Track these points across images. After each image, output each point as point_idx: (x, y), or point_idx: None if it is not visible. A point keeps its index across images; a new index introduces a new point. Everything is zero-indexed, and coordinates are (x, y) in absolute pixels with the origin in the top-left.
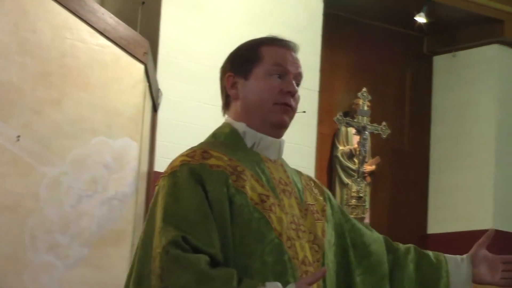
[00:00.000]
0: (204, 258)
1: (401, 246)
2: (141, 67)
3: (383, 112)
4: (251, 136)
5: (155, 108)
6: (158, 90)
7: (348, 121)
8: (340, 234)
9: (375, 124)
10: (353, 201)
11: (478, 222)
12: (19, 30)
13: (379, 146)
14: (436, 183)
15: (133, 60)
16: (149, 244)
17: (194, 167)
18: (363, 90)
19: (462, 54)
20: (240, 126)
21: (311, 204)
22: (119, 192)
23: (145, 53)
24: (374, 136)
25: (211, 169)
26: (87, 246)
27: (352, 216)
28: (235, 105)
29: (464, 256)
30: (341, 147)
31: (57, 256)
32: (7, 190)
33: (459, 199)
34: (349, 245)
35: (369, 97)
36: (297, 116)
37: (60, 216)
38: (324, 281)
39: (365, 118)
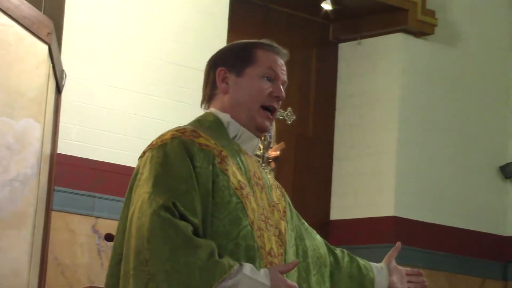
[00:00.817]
0: (190, 227)
1: (337, 250)
2: (45, 47)
3: (288, 98)
4: (234, 127)
5: (59, 89)
6: (62, 71)
7: None
8: (299, 236)
9: (280, 110)
10: None
11: (379, 209)
12: None
13: (284, 132)
14: (339, 170)
15: (37, 40)
16: (131, 222)
17: (185, 141)
18: None
19: (367, 42)
20: (224, 117)
21: (276, 203)
22: (21, 174)
23: (49, 33)
24: (279, 122)
25: (200, 147)
26: None
27: None
28: (222, 98)
29: (382, 264)
30: None
31: None
32: None
33: (362, 186)
34: (307, 247)
35: None
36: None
37: None
38: (287, 276)
39: None
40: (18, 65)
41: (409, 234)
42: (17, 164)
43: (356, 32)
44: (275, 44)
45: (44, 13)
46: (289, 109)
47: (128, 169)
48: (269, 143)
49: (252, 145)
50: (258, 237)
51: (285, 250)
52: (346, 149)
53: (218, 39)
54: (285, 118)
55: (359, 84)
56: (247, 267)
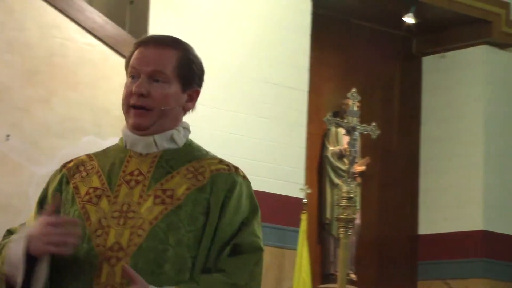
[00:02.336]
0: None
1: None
2: None
3: (373, 112)
4: (124, 136)
5: None
6: None
7: (338, 122)
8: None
9: (364, 125)
10: (344, 202)
11: (468, 223)
12: (6, 28)
13: (368, 147)
14: (426, 183)
15: (122, 58)
16: None
17: (56, 172)
18: (353, 90)
19: (450, 54)
20: (123, 128)
21: (166, 189)
22: None
23: None
24: (364, 137)
25: (60, 171)
26: None
27: (343, 216)
28: None
29: None
30: (331, 148)
31: None
32: None
33: (449, 200)
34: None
35: (359, 98)
36: (285, 115)
37: None
38: (137, 263)
39: (354, 118)
40: (104, 84)
41: (498, 248)
42: None
43: (439, 45)
44: (148, 36)
45: (128, 32)
46: (374, 123)
47: None
48: (354, 158)
49: (143, 145)
50: (98, 236)
51: (145, 239)
52: (432, 162)
53: (301, 55)
54: (370, 132)
55: (444, 97)
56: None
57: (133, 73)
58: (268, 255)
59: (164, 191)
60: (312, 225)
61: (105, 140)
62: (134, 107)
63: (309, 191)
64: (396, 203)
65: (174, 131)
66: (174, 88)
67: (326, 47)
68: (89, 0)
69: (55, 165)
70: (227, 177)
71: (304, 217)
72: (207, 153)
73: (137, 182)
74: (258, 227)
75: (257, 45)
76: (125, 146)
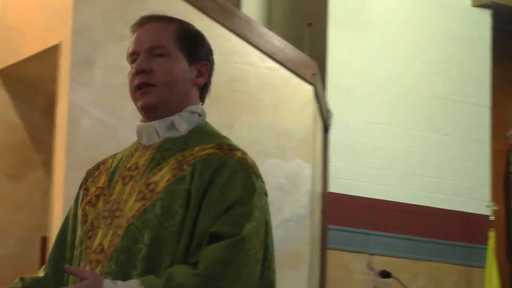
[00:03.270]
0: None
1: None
2: (310, 88)
3: None
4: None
5: (326, 129)
6: (328, 111)
7: None
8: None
9: None
10: None
11: None
12: None
13: None
14: None
15: (302, 81)
16: None
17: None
18: None
19: None
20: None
21: (150, 183)
22: (295, 214)
23: (313, 74)
24: None
25: (85, 177)
26: None
27: None
28: None
29: None
30: None
31: None
32: None
33: None
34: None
35: None
36: (468, 132)
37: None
38: (112, 265)
39: None
40: (285, 107)
41: None
42: (290, 204)
43: None
44: (141, 18)
45: (307, 54)
46: None
47: (399, 205)
48: None
49: (145, 133)
50: (89, 237)
51: (121, 239)
52: None
53: (482, 70)
54: None
55: None
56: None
57: (134, 58)
58: (456, 273)
59: (147, 185)
60: (501, 243)
61: (289, 162)
62: (139, 87)
63: (496, 207)
64: None
65: (175, 117)
66: (178, 61)
67: (507, 60)
68: (268, 24)
69: None
70: (214, 161)
71: (492, 234)
72: (218, 138)
73: (131, 177)
74: (253, 213)
75: (436, 61)
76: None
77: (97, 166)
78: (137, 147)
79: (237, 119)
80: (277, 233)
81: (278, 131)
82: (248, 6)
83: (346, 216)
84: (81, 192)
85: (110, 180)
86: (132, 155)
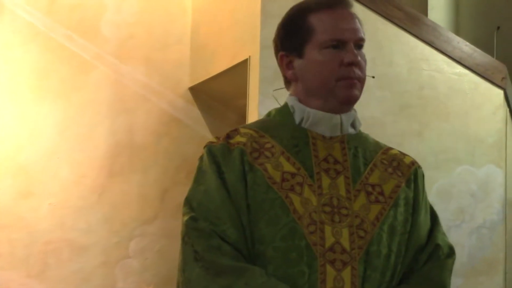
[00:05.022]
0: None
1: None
2: (500, 92)
3: None
4: (299, 111)
5: None
6: None
7: None
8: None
9: None
10: None
11: None
12: (376, 65)
13: None
14: None
15: (492, 86)
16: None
17: (213, 149)
18: None
19: None
20: (290, 100)
21: (373, 185)
22: (487, 220)
23: (503, 78)
24: None
25: (231, 148)
26: (460, 277)
27: None
28: (296, 86)
29: None
30: None
31: None
32: None
33: None
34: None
35: None
36: None
37: None
38: (365, 269)
39: None
40: (475, 113)
41: None
42: (482, 211)
43: None
44: (326, 1)
45: (496, 58)
46: None
47: None
48: None
49: (329, 125)
50: (312, 232)
51: (370, 242)
52: None
53: None
54: None
55: None
56: None
57: (335, 43)
58: None
59: (373, 186)
60: None
61: (480, 168)
62: (356, 78)
63: None
64: None
65: (355, 114)
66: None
67: None
68: (456, 30)
69: (432, 197)
70: (419, 171)
71: None
72: (378, 142)
73: (337, 172)
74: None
75: None
76: (300, 123)
77: (250, 143)
78: (313, 135)
79: (427, 126)
80: (471, 240)
81: (468, 137)
82: (435, 12)
83: None
84: (258, 169)
85: (305, 169)
86: (313, 144)
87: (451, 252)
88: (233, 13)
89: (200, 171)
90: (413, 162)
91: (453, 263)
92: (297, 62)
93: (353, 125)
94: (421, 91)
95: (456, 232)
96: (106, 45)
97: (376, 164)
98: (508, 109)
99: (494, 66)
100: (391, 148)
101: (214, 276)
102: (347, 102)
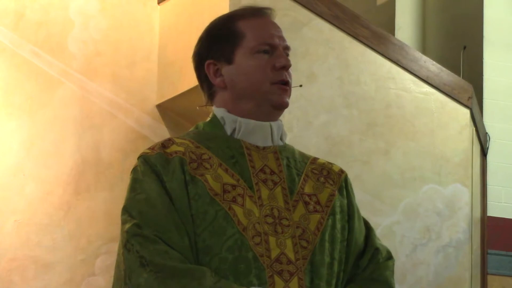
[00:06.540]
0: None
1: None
2: (466, 111)
3: None
4: (229, 122)
5: (483, 152)
6: (485, 134)
7: None
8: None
9: None
10: None
11: None
12: (343, 83)
13: None
14: None
15: (458, 105)
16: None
17: (150, 158)
18: None
19: None
20: (219, 112)
21: (309, 195)
22: (454, 239)
23: (469, 97)
24: None
25: (168, 157)
26: None
27: None
28: (223, 94)
29: None
30: None
31: None
32: None
33: None
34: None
35: None
36: None
37: (396, 266)
38: (312, 279)
39: None
40: (441, 132)
41: None
42: (448, 229)
43: None
44: (253, 5)
45: (462, 77)
46: None
47: None
48: None
49: (262, 134)
50: (257, 244)
51: (312, 252)
52: None
53: None
54: None
55: None
56: None
57: (266, 47)
58: None
59: (309, 196)
60: None
61: (446, 187)
62: (285, 83)
63: None
64: None
65: (282, 125)
66: None
67: None
68: (423, 49)
69: (398, 215)
70: (348, 178)
71: None
72: (304, 153)
73: (274, 183)
74: None
75: None
76: (232, 134)
77: (188, 153)
78: (246, 145)
79: (393, 145)
80: (437, 259)
81: (435, 156)
82: (402, 31)
83: (507, 240)
84: (199, 180)
85: (244, 180)
86: (248, 154)
87: (389, 256)
88: (200, 30)
89: (136, 181)
90: (342, 170)
91: (393, 265)
92: (226, 69)
93: (281, 137)
94: (388, 110)
95: (422, 251)
96: (73, 62)
97: (308, 175)
98: (474, 128)
99: (461, 85)
100: (317, 158)
101: (165, 279)
102: (280, 107)
